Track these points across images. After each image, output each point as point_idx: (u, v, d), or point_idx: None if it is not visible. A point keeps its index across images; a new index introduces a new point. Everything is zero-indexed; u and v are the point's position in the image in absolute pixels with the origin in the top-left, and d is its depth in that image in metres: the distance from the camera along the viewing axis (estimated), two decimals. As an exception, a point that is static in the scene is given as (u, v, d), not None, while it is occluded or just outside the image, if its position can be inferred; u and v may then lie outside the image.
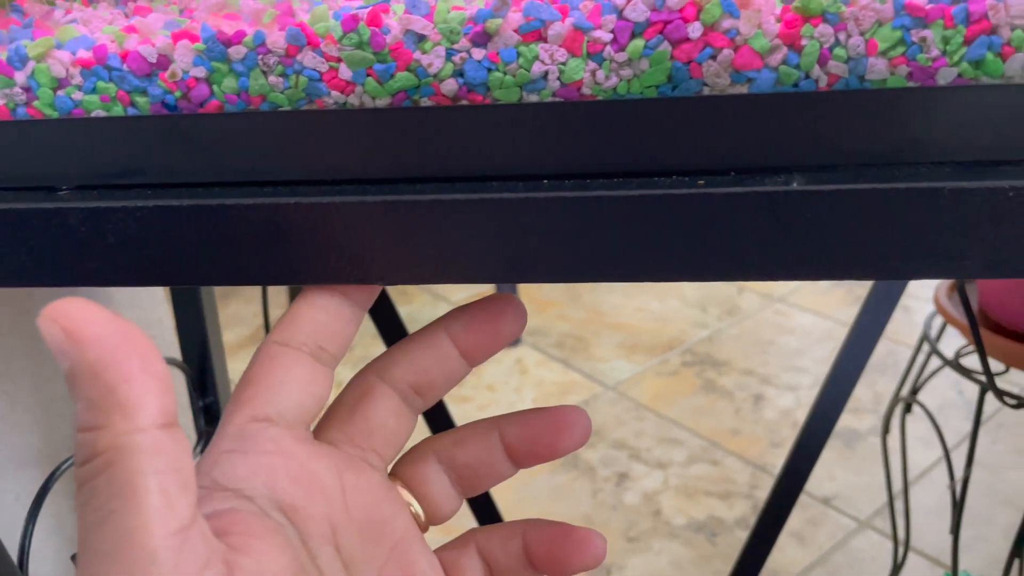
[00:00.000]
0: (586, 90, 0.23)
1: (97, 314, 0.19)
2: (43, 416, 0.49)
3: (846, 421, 1.45)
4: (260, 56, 0.24)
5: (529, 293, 1.91)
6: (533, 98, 0.24)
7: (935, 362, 1.15)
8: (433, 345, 0.27)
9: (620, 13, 0.22)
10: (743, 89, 0.23)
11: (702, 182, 0.23)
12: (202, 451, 0.58)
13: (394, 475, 0.28)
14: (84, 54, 0.25)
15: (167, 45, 0.24)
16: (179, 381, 0.58)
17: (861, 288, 1.85)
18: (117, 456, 0.19)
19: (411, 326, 1.56)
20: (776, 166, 0.23)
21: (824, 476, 1.33)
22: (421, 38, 0.23)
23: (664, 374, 1.62)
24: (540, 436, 0.27)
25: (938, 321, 0.86)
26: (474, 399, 1.60)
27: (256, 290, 1.65)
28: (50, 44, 0.25)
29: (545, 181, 0.24)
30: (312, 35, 0.24)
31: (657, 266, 0.22)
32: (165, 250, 0.25)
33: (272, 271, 0.25)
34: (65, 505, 0.51)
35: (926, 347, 0.84)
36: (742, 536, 1.22)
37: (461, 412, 1.56)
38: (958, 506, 0.81)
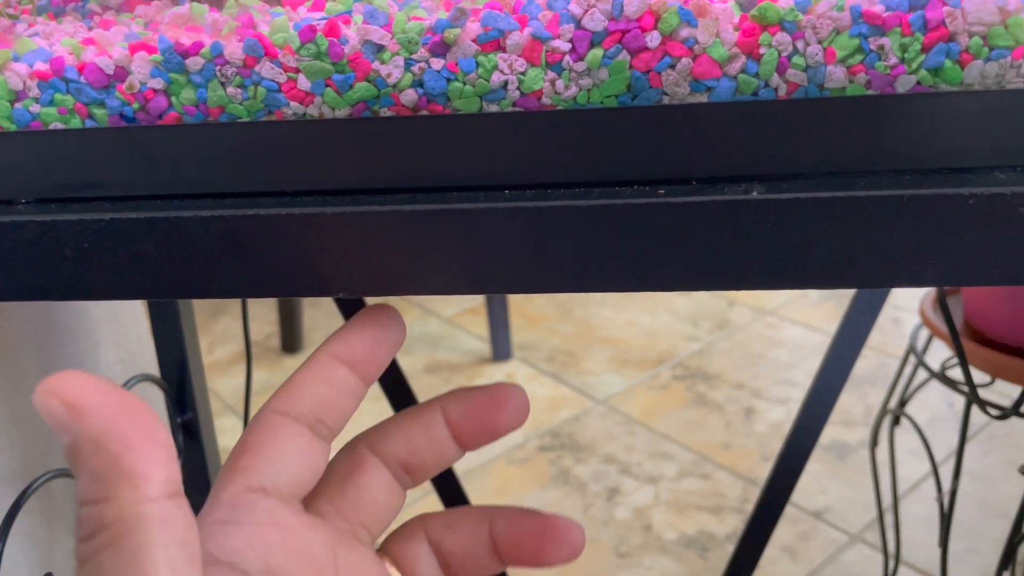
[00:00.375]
0: (546, 100, 0.23)
1: (96, 385, 0.19)
2: (16, 434, 0.49)
3: (837, 434, 1.45)
4: (218, 67, 0.24)
5: (520, 308, 1.91)
6: (493, 108, 0.24)
7: (922, 374, 1.15)
8: (428, 425, 0.26)
9: (578, 23, 0.22)
10: (703, 98, 0.23)
11: (662, 192, 0.22)
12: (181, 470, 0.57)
13: (383, 551, 0.27)
14: (41, 66, 0.24)
15: (124, 57, 0.24)
16: (157, 398, 0.57)
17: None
18: (125, 529, 0.18)
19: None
20: (737, 175, 0.23)
21: (815, 490, 1.33)
22: (380, 48, 0.23)
23: (655, 388, 1.62)
24: (530, 540, 0.26)
25: (924, 333, 0.86)
26: (464, 415, 1.59)
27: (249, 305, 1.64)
28: (7, 56, 0.24)
29: (506, 191, 0.24)
30: (270, 46, 0.24)
31: (619, 276, 0.22)
32: (123, 263, 0.24)
33: (231, 284, 0.24)
34: (39, 523, 0.50)
35: (913, 359, 0.83)
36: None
37: (451, 428, 1.55)
38: (946, 519, 0.81)
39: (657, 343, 1.75)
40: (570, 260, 0.23)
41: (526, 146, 0.23)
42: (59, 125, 0.25)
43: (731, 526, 1.25)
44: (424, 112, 0.24)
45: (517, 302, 1.92)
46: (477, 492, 1.38)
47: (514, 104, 0.23)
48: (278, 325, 1.81)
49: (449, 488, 0.62)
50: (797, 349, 1.69)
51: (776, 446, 1.41)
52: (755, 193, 0.22)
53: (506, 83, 0.23)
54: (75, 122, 0.25)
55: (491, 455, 1.44)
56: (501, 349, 1.74)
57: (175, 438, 0.58)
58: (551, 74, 0.23)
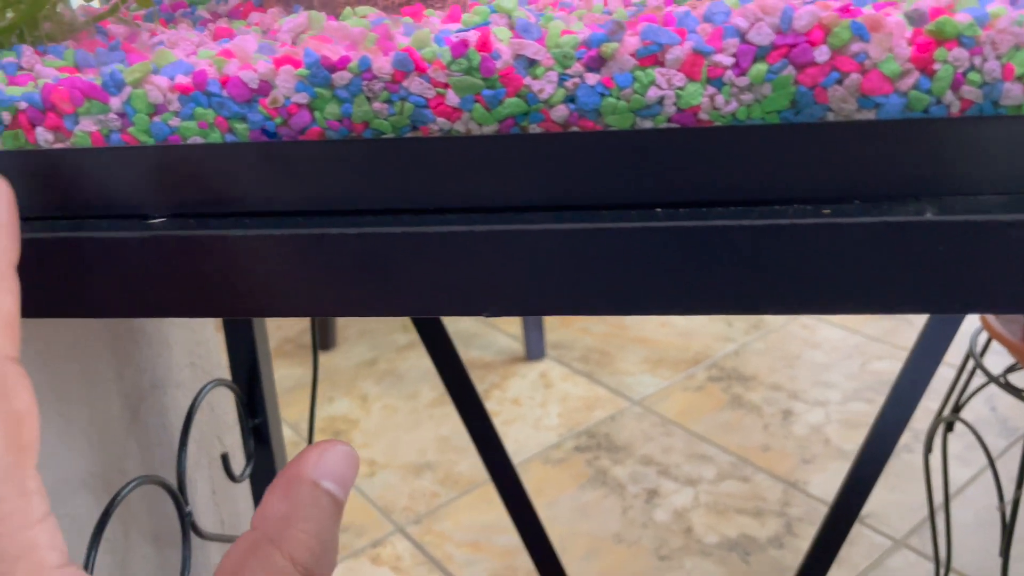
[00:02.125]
0: (703, 115, 0.23)
1: None
2: (98, 440, 0.49)
3: (878, 437, 1.43)
4: (365, 82, 0.23)
5: (552, 307, 1.90)
6: (647, 124, 0.23)
7: (976, 380, 1.13)
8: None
9: (743, 36, 0.22)
10: (870, 115, 0.22)
11: (827, 211, 0.22)
12: (251, 473, 0.57)
13: None
14: (182, 79, 0.24)
15: (269, 71, 0.23)
16: (228, 401, 0.57)
17: (888, 302, 1.82)
18: None
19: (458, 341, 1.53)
20: (903, 194, 0.22)
21: (857, 494, 1.31)
22: (532, 63, 0.23)
23: (691, 389, 1.61)
24: None
25: (983, 337, 0.84)
26: (500, 413, 1.59)
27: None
28: (147, 69, 0.24)
29: (658, 209, 0.23)
30: (420, 60, 0.23)
31: (787, 298, 0.22)
32: (263, 281, 0.24)
33: (376, 303, 0.24)
34: (119, 530, 0.50)
35: (970, 364, 0.82)
36: (776, 555, 1.21)
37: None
38: (1008, 528, 0.80)
39: (691, 343, 1.74)
40: (732, 282, 0.22)
41: (683, 163, 0.22)
42: (198, 139, 0.25)
43: (772, 530, 1.24)
44: (575, 128, 0.23)
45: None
46: (514, 492, 1.38)
47: (669, 120, 0.23)
48: (311, 322, 1.82)
49: (513, 493, 0.61)
50: (834, 351, 1.68)
51: (815, 449, 1.40)
52: (928, 214, 0.21)
53: (662, 98, 0.22)
54: (214, 136, 0.25)
55: (527, 455, 1.44)
56: (534, 348, 1.74)
57: (246, 442, 0.58)
58: (710, 89, 0.22)
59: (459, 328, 1.88)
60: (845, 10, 0.21)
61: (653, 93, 0.22)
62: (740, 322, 1.82)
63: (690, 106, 0.22)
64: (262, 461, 0.57)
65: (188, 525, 0.47)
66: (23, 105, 0.25)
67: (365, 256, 0.23)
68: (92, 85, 0.24)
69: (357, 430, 1.58)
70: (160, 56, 0.24)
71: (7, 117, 0.25)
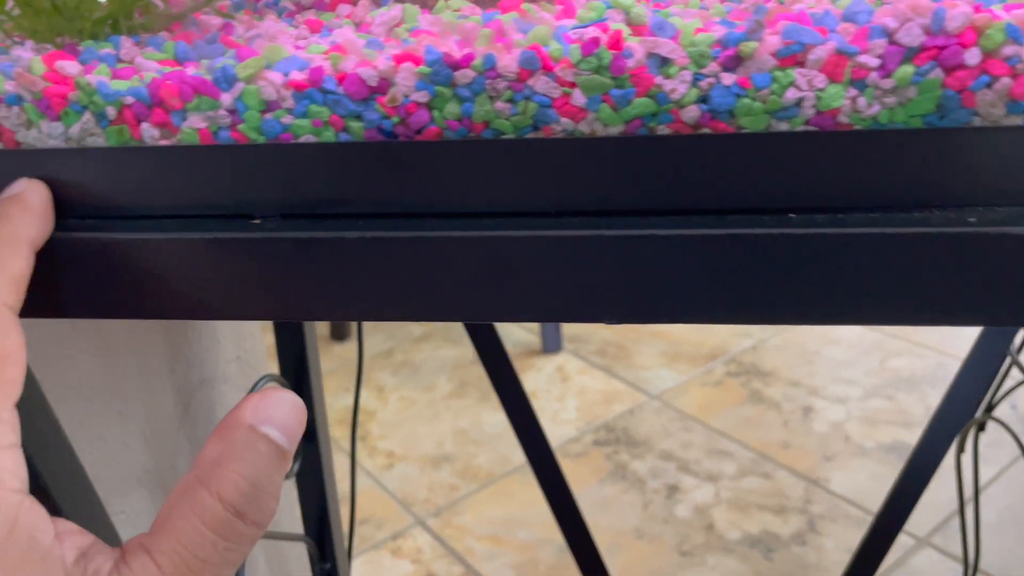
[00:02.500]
0: (843, 118, 0.22)
1: None
2: (152, 436, 0.48)
3: (898, 435, 1.43)
4: (489, 80, 0.23)
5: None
6: (782, 126, 0.22)
7: (1008, 380, 1.12)
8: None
9: (891, 37, 0.21)
10: (1019, 120, 0.21)
11: (973, 220, 0.21)
12: (299, 470, 0.57)
13: None
14: (297, 76, 0.23)
15: (389, 68, 0.23)
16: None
17: (905, 298, 1.82)
18: None
19: (448, 332, 1.54)
20: (1052, 202, 0.21)
21: (880, 492, 1.31)
22: (665, 62, 0.22)
23: (709, 384, 1.61)
24: None
25: (1020, 336, 0.84)
26: (517, 407, 1.58)
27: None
28: (260, 65, 0.23)
29: (791, 215, 0.22)
30: (547, 59, 0.22)
31: (939, 308, 0.21)
32: (376, 283, 0.23)
33: (495, 307, 0.23)
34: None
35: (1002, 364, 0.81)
36: (799, 552, 1.20)
37: (504, 420, 1.54)
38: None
39: (708, 338, 1.74)
40: (873, 290, 0.21)
41: (820, 166, 0.22)
42: (310, 138, 0.24)
43: (795, 527, 1.24)
44: (705, 130, 0.23)
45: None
46: (533, 485, 1.37)
47: (806, 122, 0.22)
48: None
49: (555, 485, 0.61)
50: (852, 348, 1.67)
51: (836, 446, 1.40)
52: (1084, 223, 0.20)
53: (801, 100, 0.22)
54: (327, 135, 0.24)
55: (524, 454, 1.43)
56: (551, 341, 1.73)
57: (293, 438, 0.57)
58: (852, 91, 0.21)
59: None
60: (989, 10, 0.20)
61: (792, 94, 0.22)
62: (757, 317, 1.81)
63: (830, 108, 0.22)
64: (309, 458, 0.56)
65: (243, 523, 0.47)
66: (129, 100, 0.24)
67: (486, 260, 0.23)
68: (203, 80, 0.23)
69: (374, 421, 1.57)
70: (272, 51, 0.23)
71: (112, 112, 0.24)
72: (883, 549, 0.67)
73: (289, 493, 0.65)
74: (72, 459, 0.32)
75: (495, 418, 1.55)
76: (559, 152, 0.23)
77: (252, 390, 0.51)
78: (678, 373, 1.63)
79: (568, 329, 1.80)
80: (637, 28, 0.23)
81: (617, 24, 0.23)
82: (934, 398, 1.50)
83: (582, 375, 1.66)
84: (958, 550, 1.19)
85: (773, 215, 0.22)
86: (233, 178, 0.24)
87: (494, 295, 0.23)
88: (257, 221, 0.25)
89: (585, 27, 0.24)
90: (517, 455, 1.44)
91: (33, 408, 0.30)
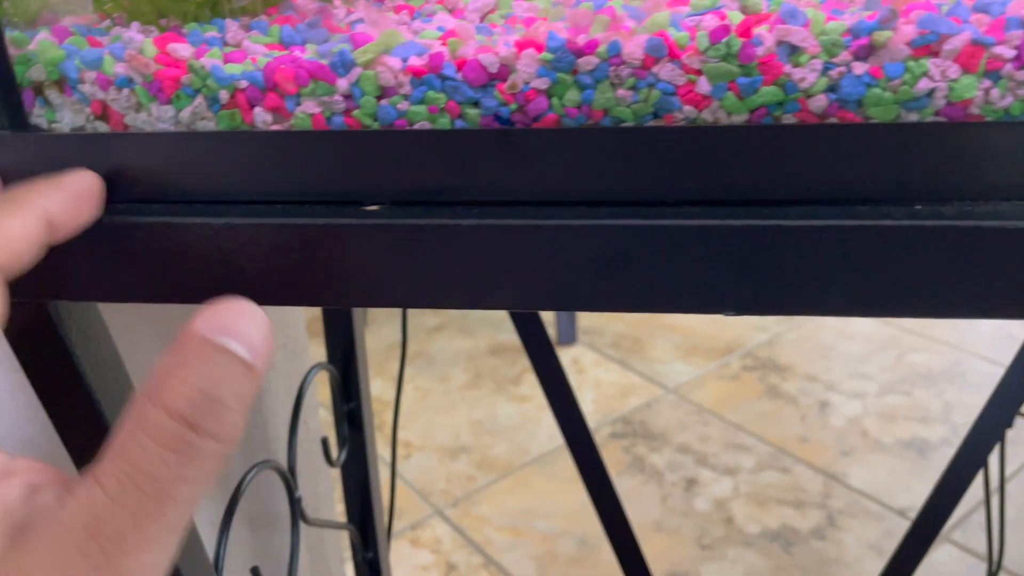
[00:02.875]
0: (974, 109, 0.22)
1: None
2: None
3: (916, 431, 1.43)
4: (613, 67, 0.22)
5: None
6: (911, 117, 0.22)
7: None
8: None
9: (1029, 28, 0.21)
10: None
11: (1108, 213, 0.21)
12: (345, 459, 0.57)
13: None
14: (416, 61, 0.23)
15: (511, 54, 0.22)
16: (323, 382, 0.56)
17: (921, 294, 1.82)
18: None
19: (462, 323, 1.55)
20: None
21: (898, 487, 1.31)
22: (796, 50, 0.22)
23: (725, 378, 1.61)
24: None
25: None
26: (532, 398, 1.59)
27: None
28: (379, 50, 0.23)
29: (918, 206, 0.22)
30: (673, 46, 0.22)
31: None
32: (490, 271, 0.23)
33: (610, 297, 0.23)
34: (217, 513, 0.49)
35: None
36: (819, 547, 1.20)
37: (520, 411, 1.54)
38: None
39: (724, 332, 1.74)
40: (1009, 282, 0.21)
41: (954, 157, 0.21)
42: (425, 124, 0.24)
43: (814, 521, 1.24)
44: (832, 119, 0.22)
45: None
46: (550, 476, 1.38)
47: (936, 113, 0.22)
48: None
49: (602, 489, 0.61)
50: (869, 342, 1.67)
51: (854, 441, 1.40)
52: None
53: (932, 91, 0.21)
54: (443, 122, 0.24)
55: (563, 441, 1.44)
56: (566, 333, 1.73)
57: (340, 427, 0.57)
58: (986, 82, 0.21)
59: (489, 312, 1.88)
60: None
61: (923, 84, 0.21)
62: (773, 312, 1.81)
63: (962, 99, 0.21)
64: (355, 447, 0.56)
65: (298, 511, 0.47)
66: (243, 84, 0.24)
67: (602, 249, 0.23)
68: (319, 65, 0.23)
69: (390, 411, 1.57)
70: (389, 36, 0.23)
71: (224, 96, 0.24)
72: (921, 550, 0.67)
73: (327, 480, 0.65)
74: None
75: (510, 409, 1.55)
76: (682, 140, 0.22)
77: (307, 377, 0.51)
78: (694, 367, 1.63)
79: (583, 321, 1.79)
80: (757, 17, 0.23)
81: (734, 12, 0.23)
82: (952, 394, 1.50)
83: (597, 367, 1.66)
84: (978, 546, 1.20)
85: (899, 206, 0.22)
86: (346, 164, 0.24)
87: (609, 285, 0.23)
88: (370, 208, 0.24)
89: (701, 15, 0.23)
90: (534, 446, 1.44)
91: (124, 403, 0.30)
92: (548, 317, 1.79)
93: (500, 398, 1.60)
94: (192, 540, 0.35)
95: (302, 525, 0.49)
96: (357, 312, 0.55)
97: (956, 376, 1.56)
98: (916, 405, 1.49)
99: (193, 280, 0.25)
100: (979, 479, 0.91)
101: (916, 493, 1.29)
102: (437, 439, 1.49)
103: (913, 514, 1.25)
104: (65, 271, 0.25)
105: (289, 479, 0.46)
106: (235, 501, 0.40)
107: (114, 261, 0.25)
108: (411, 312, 1.89)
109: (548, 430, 1.49)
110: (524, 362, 1.69)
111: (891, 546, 1.21)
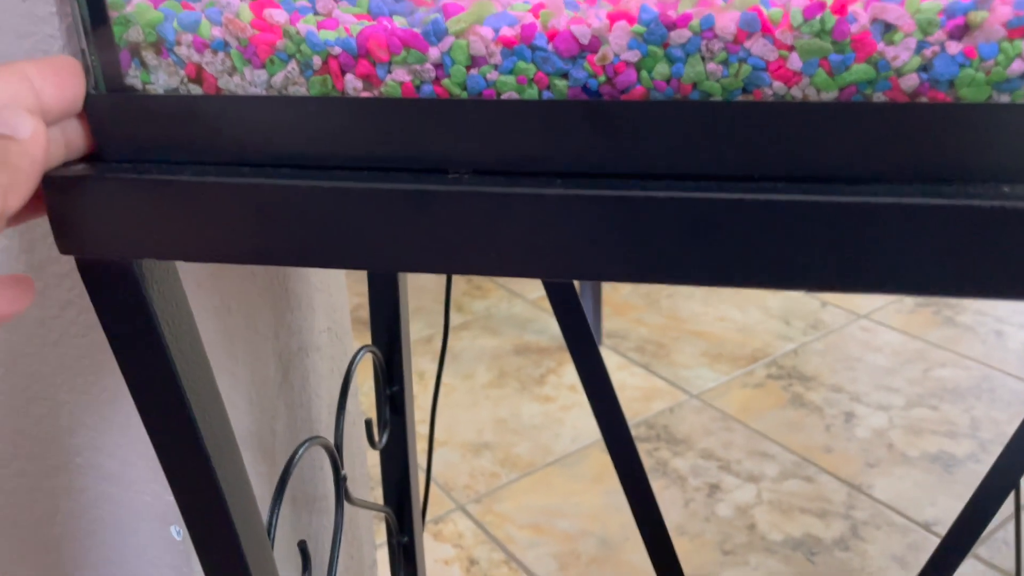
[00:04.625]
0: (1066, 93, 0.22)
1: None
2: (256, 399, 0.49)
3: (943, 445, 1.42)
4: (705, 41, 0.23)
5: (606, 295, 1.90)
6: (1003, 99, 0.22)
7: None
8: None
9: None
10: None
11: None
12: (387, 443, 0.57)
13: None
14: (508, 31, 0.23)
15: (603, 26, 0.23)
16: (367, 364, 0.57)
17: (949, 309, 1.80)
18: None
19: (487, 321, 1.56)
20: None
21: (924, 500, 1.30)
22: (890, 28, 0.22)
23: (750, 385, 1.60)
24: None
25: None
26: (556, 399, 1.59)
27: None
28: (472, 19, 0.23)
29: (1006, 188, 0.22)
30: (767, 21, 0.22)
31: None
32: (578, 241, 0.24)
33: (692, 269, 0.23)
34: (266, 489, 0.50)
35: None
36: (842, 557, 1.20)
37: (544, 411, 1.55)
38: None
39: (750, 340, 1.73)
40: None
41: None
42: (513, 95, 0.24)
43: (838, 531, 1.23)
44: (923, 99, 0.22)
45: (603, 288, 1.91)
46: (573, 477, 1.38)
47: (1028, 96, 0.22)
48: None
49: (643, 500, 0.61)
50: (895, 355, 1.66)
51: (879, 453, 1.39)
52: None
53: (1026, 73, 0.22)
54: (531, 92, 0.24)
55: (587, 441, 1.43)
56: (591, 336, 1.73)
57: (382, 410, 0.57)
58: (1081, 66, 0.21)
59: (514, 312, 1.88)
60: None
61: (1017, 66, 0.22)
62: (799, 320, 1.81)
63: (1055, 82, 0.21)
64: (395, 431, 0.57)
65: (343, 490, 0.47)
66: (336, 51, 0.24)
67: (689, 222, 0.23)
68: (412, 33, 0.24)
69: (415, 406, 1.58)
70: (482, 6, 0.24)
71: (317, 62, 0.24)
72: (950, 567, 0.66)
73: (366, 465, 0.66)
74: (224, 419, 0.33)
75: (534, 409, 1.55)
76: (771, 116, 0.23)
77: (355, 358, 0.51)
78: (719, 373, 1.63)
79: (607, 325, 1.79)
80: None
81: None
82: (980, 410, 1.48)
83: (621, 371, 1.66)
84: (1003, 562, 1.18)
85: (986, 185, 0.22)
86: (434, 132, 0.24)
87: (693, 257, 0.23)
88: (455, 175, 0.25)
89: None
90: (557, 446, 1.44)
91: (196, 368, 0.31)
92: (573, 319, 1.80)
93: (524, 397, 1.60)
94: (250, 510, 0.36)
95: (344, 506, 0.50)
96: (403, 296, 0.55)
97: (984, 392, 1.54)
98: (943, 419, 1.48)
99: (278, 242, 0.25)
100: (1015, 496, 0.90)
101: (942, 507, 1.28)
102: (461, 435, 1.50)
103: (938, 528, 1.24)
104: (151, 231, 0.26)
105: (336, 457, 0.46)
106: (287, 473, 0.41)
107: (201, 222, 0.25)
108: (436, 309, 1.90)
109: (571, 431, 1.49)
110: (549, 362, 1.69)
111: (915, 559, 1.20)
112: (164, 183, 0.25)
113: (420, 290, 1.93)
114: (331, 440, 0.48)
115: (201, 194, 0.25)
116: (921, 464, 1.36)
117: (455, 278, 2.01)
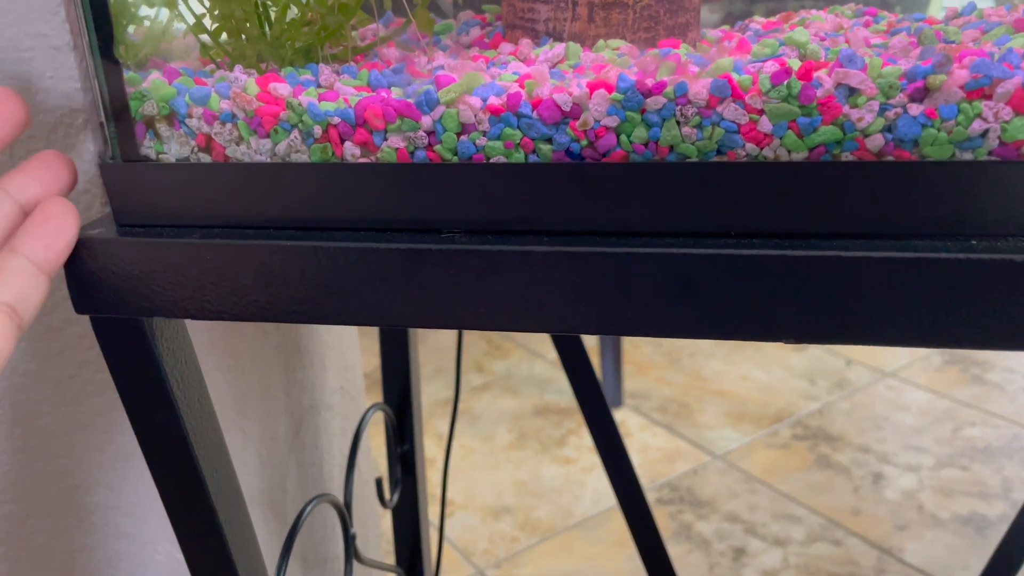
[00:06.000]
0: (1027, 150, 0.23)
1: None
2: (267, 457, 0.49)
3: (975, 507, 1.38)
4: (679, 107, 0.24)
5: (627, 354, 1.89)
6: (966, 156, 0.23)
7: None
8: None
9: (1080, 73, 0.22)
10: None
11: None
12: (398, 501, 0.57)
13: None
14: (495, 100, 0.25)
15: (583, 94, 0.24)
16: (379, 422, 0.58)
17: (977, 367, 1.77)
18: None
19: (507, 382, 1.56)
20: None
21: (957, 564, 1.26)
22: (853, 92, 0.23)
23: (775, 446, 1.57)
24: None
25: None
26: (577, 461, 1.58)
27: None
28: (462, 90, 0.25)
29: (974, 242, 0.23)
30: (736, 87, 0.24)
31: None
32: (562, 297, 0.25)
33: (674, 323, 0.24)
34: (274, 549, 0.50)
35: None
36: (874, 624, 1.16)
37: (564, 473, 1.53)
38: None
39: (774, 399, 1.71)
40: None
41: (1003, 195, 0.22)
42: (501, 159, 0.25)
43: (868, 597, 1.20)
44: (889, 158, 0.23)
45: (624, 348, 1.91)
46: (594, 541, 1.35)
47: (990, 153, 0.23)
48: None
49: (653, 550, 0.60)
50: (923, 414, 1.63)
51: (909, 515, 1.35)
52: None
53: (986, 131, 0.23)
54: (517, 157, 0.25)
55: (610, 503, 1.42)
56: (612, 395, 1.72)
57: (393, 468, 0.58)
58: (1038, 124, 0.22)
59: (534, 372, 1.88)
60: None
61: (977, 126, 0.23)
62: (823, 380, 1.79)
63: (1015, 140, 0.22)
64: (406, 490, 0.57)
65: (352, 548, 0.47)
66: (336, 120, 0.26)
67: (669, 277, 0.24)
68: (406, 103, 0.25)
69: (434, 468, 1.57)
70: (471, 78, 0.25)
71: (318, 131, 0.26)
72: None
73: (378, 525, 0.66)
74: (232, 477, 0.34)
75: (555, 471, 1.54)
76: (744, 175, 0.24)
77: (365, 416, 0.52)
78: (743, 434, 1.61)
79: (629, 384, 1.78)
80: (816, 63, 0.24)
81: (793, 60, 0.25)
82: (1011, 470, 1.45)
83: (643, 432, 1.65)
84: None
85: (955, 240, 0.23)
86: (428, 194, 0.26)
87: (674, 311, 0.24)
88: (447, 234, 0.26)
89: (763, 62, 0.25)
90: (578, 509, 1.42)
91: (205, 426, 0.32)
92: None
93: (544, 459, 1.59)
94: (257, 568, 0.36)
95: (354, 564, 0.50)
96: (414, 355, 0.56)
97: (1016, 451, 1.51)
98: (974, 480, 1.44)
99: (283, 301, 0.26)
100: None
101: (975, 571, 1.24)
102: (480, 498, 1.49)
103: (972, 592, 1.20)
104: (161, 291, 0.27)
105: (345, 515, 0.47)
106: (295, 530, 0.41)
107: (206, 282, 0.27)
108: (455, 370, 1.91)
109: (592, 493, 1.47)
110: (569, 423, 1.68)
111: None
112: (173, 245, 0.26)
113: (439, 351, 1.94)
114: (341, 498, 0.49)
115: (207, 255, 0.26)
116: (952, 526, 1.33)
117: (475, 339, 2.02)
